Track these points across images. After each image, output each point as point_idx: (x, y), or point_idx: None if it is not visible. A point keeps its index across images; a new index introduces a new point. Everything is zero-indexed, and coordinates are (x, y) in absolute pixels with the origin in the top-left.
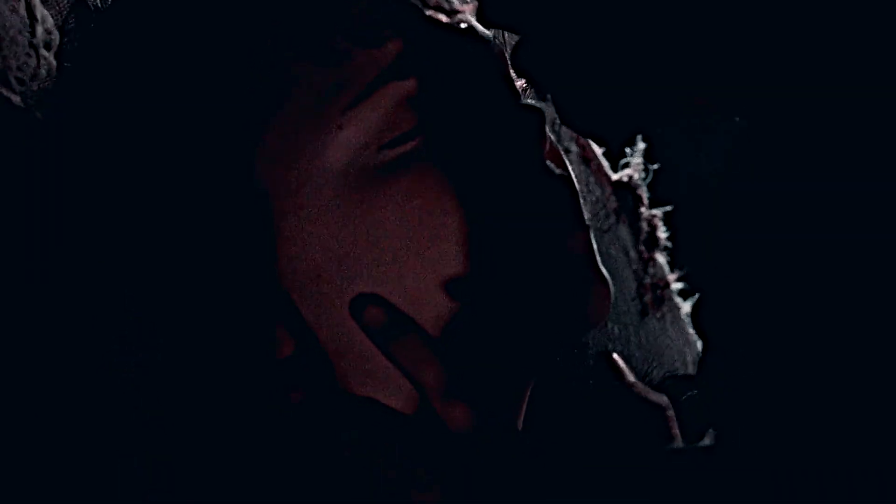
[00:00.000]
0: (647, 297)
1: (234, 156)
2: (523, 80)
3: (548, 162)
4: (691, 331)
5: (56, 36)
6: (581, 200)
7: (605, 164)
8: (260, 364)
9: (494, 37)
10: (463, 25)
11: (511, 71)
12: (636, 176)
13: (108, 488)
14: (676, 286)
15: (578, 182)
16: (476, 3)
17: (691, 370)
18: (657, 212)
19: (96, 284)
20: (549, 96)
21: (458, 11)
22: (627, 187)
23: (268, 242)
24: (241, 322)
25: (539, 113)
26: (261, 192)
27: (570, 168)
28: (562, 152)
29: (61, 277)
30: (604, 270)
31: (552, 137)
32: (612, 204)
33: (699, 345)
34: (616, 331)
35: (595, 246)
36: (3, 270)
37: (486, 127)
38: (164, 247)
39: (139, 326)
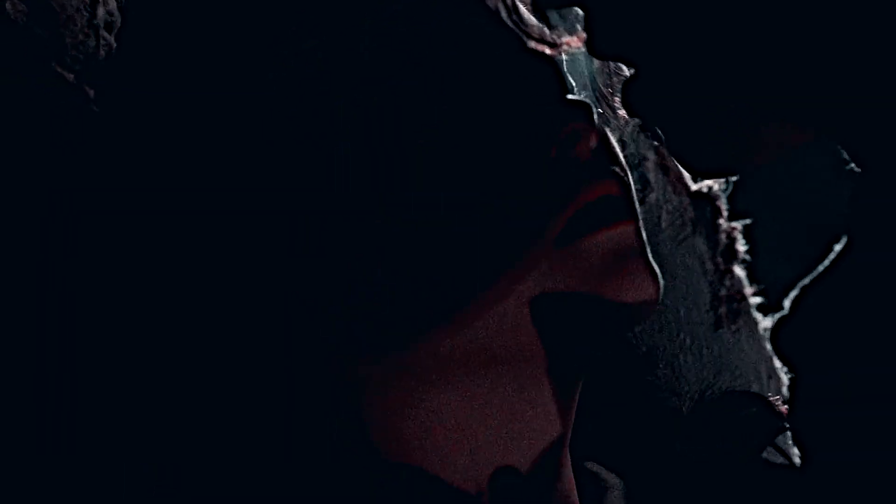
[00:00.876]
0: (723, 310)
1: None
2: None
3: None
4: (769, 348)
5: (118, 18)
6: (634, 195)
7: (686, 173)
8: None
9: (604, 68)
10: (566, 57)
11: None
12: (716, 187)
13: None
14: (754, 300)
15: (655, 190)
16: (584, 34)
17: (766, 388)
18: (737, 224)
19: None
20: (658, 131)
21: (562, 43)
22: (707, 198)
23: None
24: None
25: (586, 107)
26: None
27: (622, 161)
28: (615, 145)
29: (111, 267)
30: (653, 263)
31: (603, 130)
32: (690, 213)
33: (785, 376)
34: (688, 341)
35: (645, 237)
36: (47, 255)
37: (532, 121)
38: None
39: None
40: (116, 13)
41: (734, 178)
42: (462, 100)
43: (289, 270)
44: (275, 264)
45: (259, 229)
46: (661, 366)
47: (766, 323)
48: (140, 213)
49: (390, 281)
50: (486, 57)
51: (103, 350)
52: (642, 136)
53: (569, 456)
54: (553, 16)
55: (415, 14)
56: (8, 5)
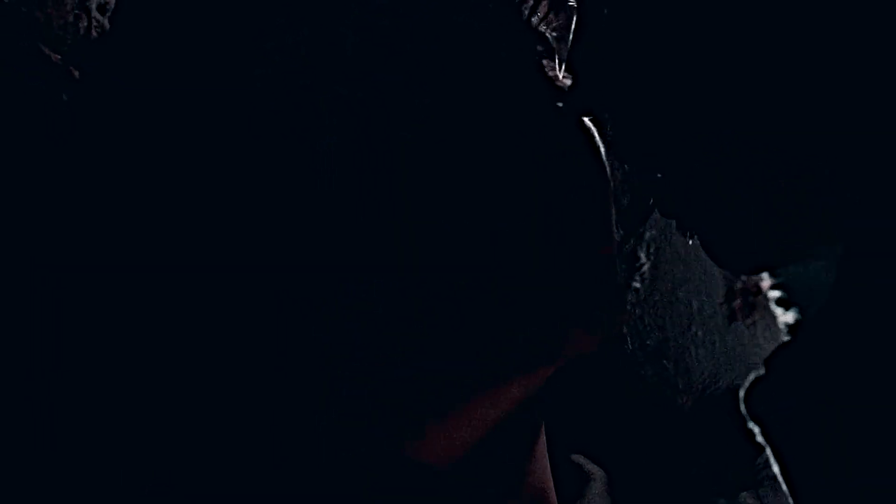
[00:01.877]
0: (737, 303)
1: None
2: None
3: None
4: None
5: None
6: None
7: None
8: None
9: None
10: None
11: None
12: None
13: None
14: (772, 294)
15: None
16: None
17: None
18: None
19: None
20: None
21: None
22: None
23: None
24: None
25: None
26: None
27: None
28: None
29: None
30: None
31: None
32: None
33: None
34: (700, 334)
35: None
36: (36, 244)
37: (518, 116)
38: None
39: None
40: None
41: None
42: (446, 94)
43: (277, 268)
44: (262, 260)
45: (244, 225)
46: (667, 360)
47: (786, 317)
48: (123, 207)
49: (380, 278)
50: (470, 52)
51: (97, 351)
52: None
53: (545, 451)
54: None
55: (398, 8)
56: None
